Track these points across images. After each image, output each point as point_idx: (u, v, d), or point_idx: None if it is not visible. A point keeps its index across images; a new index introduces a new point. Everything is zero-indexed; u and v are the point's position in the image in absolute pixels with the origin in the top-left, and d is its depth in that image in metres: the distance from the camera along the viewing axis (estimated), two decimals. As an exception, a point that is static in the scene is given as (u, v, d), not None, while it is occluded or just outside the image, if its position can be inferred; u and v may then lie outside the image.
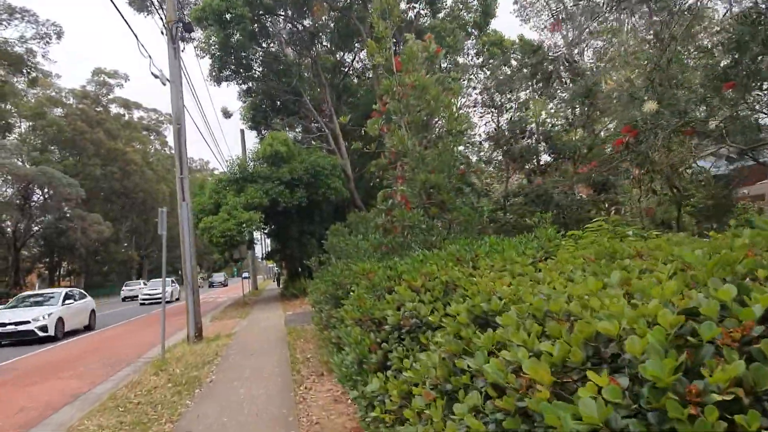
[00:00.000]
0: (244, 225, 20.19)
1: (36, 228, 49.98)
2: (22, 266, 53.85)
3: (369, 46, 9.78)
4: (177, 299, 33.67)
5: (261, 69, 25.23)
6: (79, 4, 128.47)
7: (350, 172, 24.84)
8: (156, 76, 12.28)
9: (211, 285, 63.09)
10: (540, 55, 12.27)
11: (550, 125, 13.61)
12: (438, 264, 4.02)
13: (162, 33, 13.19)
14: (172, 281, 36.03)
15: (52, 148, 53.06)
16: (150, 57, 11.78)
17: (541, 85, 11.76)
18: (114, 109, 59.99)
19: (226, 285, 61.52)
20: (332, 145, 24.53)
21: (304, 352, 9.98)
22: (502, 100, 12.93)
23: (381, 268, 5.13)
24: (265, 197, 21.05)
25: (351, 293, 5.46)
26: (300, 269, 25.50)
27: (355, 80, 30.17)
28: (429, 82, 9.27)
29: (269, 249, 51.58)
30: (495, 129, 13.26)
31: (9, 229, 47.72)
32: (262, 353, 9.89)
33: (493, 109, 13.25)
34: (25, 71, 29.55)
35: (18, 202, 48.07)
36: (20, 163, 46.72)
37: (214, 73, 23.91)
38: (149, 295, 33.38)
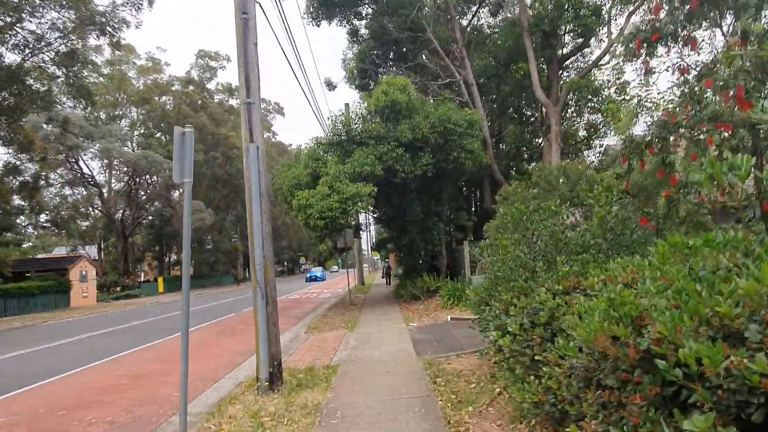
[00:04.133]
0: (349, 201, 14.78)
1: (143, 214, 48.90)
2: (134, 255, 53.59)
3: None
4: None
5: (372, 5, 19.67)
6: None
7: (488, 134, 18.65)
8: None
9: None
10: None
11: None
12: None
13: None
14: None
15: (158, 135, 52.09)
16: None
17: None
18: (219, 96, 58.35)
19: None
20: (465, 96, 18.46)
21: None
22: None
23: None
24: (377, 164, 15.47)
25: None
26: (421, 263, 19.77)
27: (486, 25, 23.82)
28: None
29: (374, 240, 46.71)
30: None
31: (117, 217, 46.87)
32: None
33: None
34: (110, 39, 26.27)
35: (124, 188, 47.29)
36: (127, 149, 45.79)
37: (312, 9, 18.67)
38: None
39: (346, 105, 28.67)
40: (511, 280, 5.49)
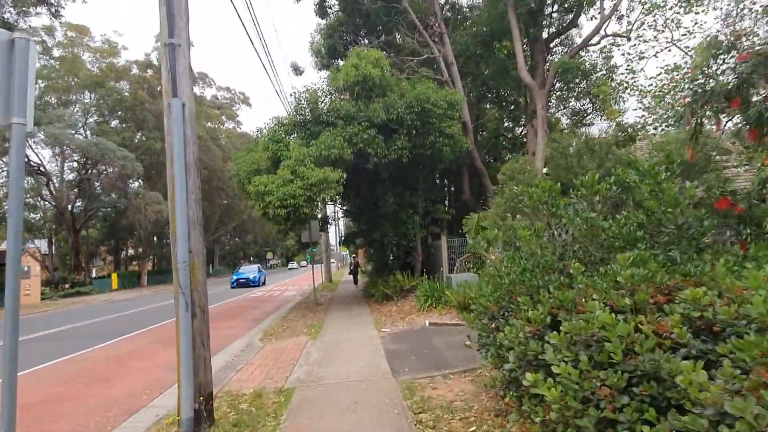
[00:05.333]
0: (315, 188, 12.92)
1: (95, 207, 45.68)
2: (86, 249, 50.23)
3: None
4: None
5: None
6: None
7: (468, 117, 17.03)
8: None
9: None
10: None
11: None
12: None
13: None
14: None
15: (114, 123, 48.89)
16: None
17: None
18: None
19: None
20: (444, 75, 16.78)
21: None
22: None
23: None
24: (347, 147, 13.65)
25: None
26: (393, 259, 18.04)
27: (466, 5, 22.15)
28: None
29: (343, 234, 44.60)
30: None
31: (69, 207, 43.61)
32: None
33: None
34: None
35: (76, 177, 44.08)
36: (80, 136, 42.62)
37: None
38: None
39: (314, 91, 26.78)
40: (538, 286, 3.79)
